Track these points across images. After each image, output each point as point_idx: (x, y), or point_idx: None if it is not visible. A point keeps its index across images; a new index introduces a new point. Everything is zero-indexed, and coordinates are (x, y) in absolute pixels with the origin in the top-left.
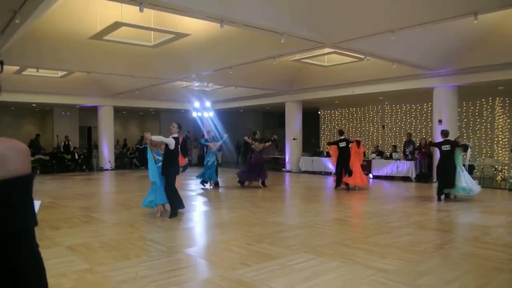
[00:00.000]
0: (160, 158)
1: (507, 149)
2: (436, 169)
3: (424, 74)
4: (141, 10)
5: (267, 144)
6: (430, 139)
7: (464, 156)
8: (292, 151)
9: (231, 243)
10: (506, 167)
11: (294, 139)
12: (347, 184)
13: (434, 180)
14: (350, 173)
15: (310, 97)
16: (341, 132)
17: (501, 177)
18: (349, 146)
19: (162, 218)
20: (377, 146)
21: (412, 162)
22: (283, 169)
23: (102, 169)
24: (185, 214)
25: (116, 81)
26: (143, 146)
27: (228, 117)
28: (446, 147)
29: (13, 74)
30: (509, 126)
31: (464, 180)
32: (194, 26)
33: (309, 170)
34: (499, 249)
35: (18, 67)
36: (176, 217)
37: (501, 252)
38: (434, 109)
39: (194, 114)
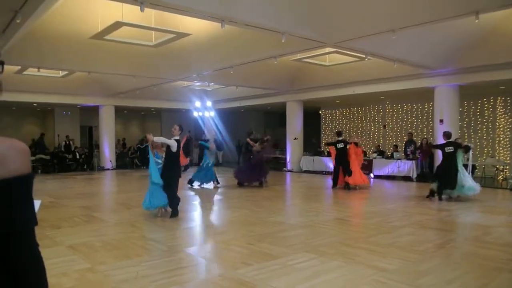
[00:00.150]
0: (160, 161)
1: (509, 148)
2: (436, 169)
3: (425, 73)
4: (142, 10)
5: (264, 145)
6: (431, 138)
7: (466, 157)
8: (293, 150)
9: (232, 242)
10: (507, 167)
11: (295, 138)
12: (347, 184)
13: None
14: (349, 173)
15: (311, 97)
16: (339, 133)
17: (502, 176)
18: (347, 147)
19: (162, 218)
20: (378, 145)
21: (413, 161)
22: (284, 168)
23: (103, 169)
24: (186, 214)
25: (117, 80)
26: (144, 146)
27: (229, 116)
28: (449, 149)
29: (14, 74)
30: (510, 126)
31: (466, 180)
32: (195, 26)
33: (310, 170)
34: (500, 248)
35: (19, 67)
36: (177, 216)
37: (502, 252)
38: (435, 109)
39: (195, 114)
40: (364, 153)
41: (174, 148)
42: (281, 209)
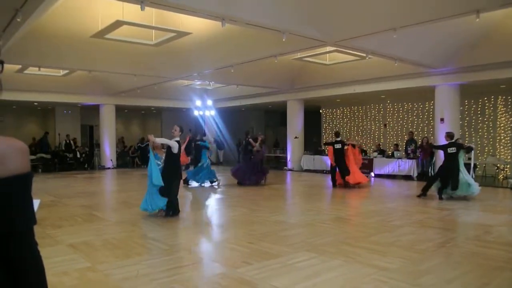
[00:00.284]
0: (159, 162)
1: (509, 147)
2: (438, 170)
3: (426, 72)
4: (142, 9)
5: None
6: (432, 138)
7: (468, 157)
8: (293, 149)
9: (232, 241)
10: (508, 166)
11: (296, 137)
12: (347, 183)
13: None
14: (347, 173)
15: (312, 96)
16: (337, 134)
17: (503, 175)
18: (345, 148)
19: (163, 217)
20: (379, 144)
21: (414, 160)
22: (285, 167)
23: (103, 168)
24: (186, 213)
25: (118, 79)
26: (144, 145)
27: (230, 115)
28: (452, 150)
29: (14, 73)
30: (511, 125)
31: (469, 179)
32: (196, 25)
33: (311, 169)
34: (501, 248)
35: (19, 66)
36: (177, 215)
37: (503, 251)
38: (436, 108)
39: (196, 113)
40: (365, 152)
41: (175, 150)
42: (282, 208)
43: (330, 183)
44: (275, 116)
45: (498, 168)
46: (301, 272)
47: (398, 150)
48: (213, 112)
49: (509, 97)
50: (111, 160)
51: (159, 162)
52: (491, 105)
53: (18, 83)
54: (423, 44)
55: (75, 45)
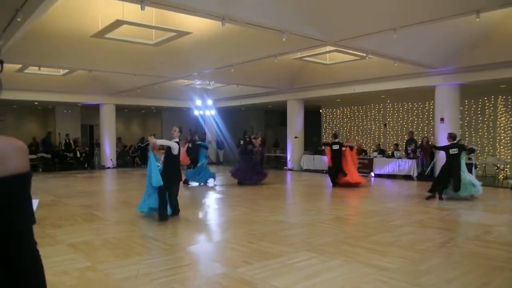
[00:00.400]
0: (158, 164)
1: (509, 147)
2: (440, 171)
3: (426, 72)
4: (142, 8)
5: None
6: (432, 137)
7: (469, 157)
8: (293, 149)
9: (232, 241)
10: (508, 166)
11: (296, 137)
12: (344, 183)
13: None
14: (344, 174)
15: (312, 96)
16: (335, 135)
17: (503, 175)
18: (342, 149)
19: (159, 221)
20: (379, 144)
21: (414, 160)
22: (285, 167)
23: (104, 167)
24: (186, 213)
25: (118, 79)
26: (144, 144)
27: (230, 115)
28: (454, 151)
29: (15, 73)
30: (511, 125)
31: (473, 179)
32: (196, 24)
33: (311, 169)
34: (501, 248)
35: (20, 65)
36: (177, 215)
37: (503, 251)
38: (436, 108)
39: (196, 113)
40: (365, 151)
41: (175, 151)
42: (282, 207)
43: (330, 183)
44: (275, 116)
45: (498, 168)
46: (301, 272)
47: (398, 150)
48: (213, 112)
49: (509, 97)
50: (111, 159)
51: (158, 164)
52: (491, 105)
53: (19, 82)
54: (423, 44)
55: (75, 44)
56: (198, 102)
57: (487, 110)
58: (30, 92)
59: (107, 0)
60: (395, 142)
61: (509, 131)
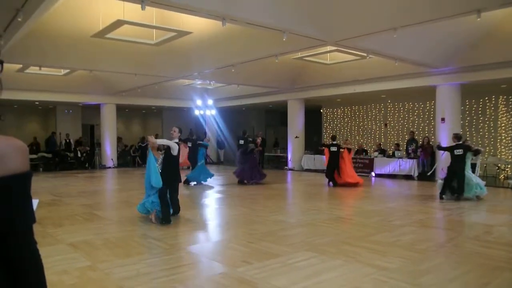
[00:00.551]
0: (156, 164)
1: (510, 147)
2: (447, 172)
3: (427, 72)
4: (143, 8)
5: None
6: (432, 137)
7: (473, 159)
8: (294, 149)
9: (232, 241)
10: (509, 166)
11: (296, 137)
12: (347, 182)
13: (436, 178)
14: (339, 174)
15: (312, 95)
16: (333, 137)
17: (504, 175)
18: (340, 151)
19: (159, 224)
20: (380, 144)
21: (415, 160)
22: (285, 167)
23: (104, 167)
24: (186, 212)
25: (118, 79)
26: (145, 144)
27: (231, 115)
28: (459, 152)
29: (15, 72)
30: None
31: (477, 180)
32: (196, 24)
33: (311, 168)
34: (502, 248)
35: (20, 65)
36: (177, 214)
37: (504, 251)
38: (437, 107)
39: (197, 112)
40: (366, 151)
41: (175, 151)
42: (282, 207)
43: (331, 183)
44: (276, 116)
45: (499, 168)
46: (301, 272)
47: (399, 150)
48: (213, 112)
49: (510, 97)
50: (112, 159)
51: (156, 164)
52: (492, 105)
53: (19, 82)
54: (423, 43)
55: (76, 44)
56: (199, 102)
57: (488, 110)
58: (30, 92)
59: (107, 0)
60: (395, 142)
61: (510, 131)
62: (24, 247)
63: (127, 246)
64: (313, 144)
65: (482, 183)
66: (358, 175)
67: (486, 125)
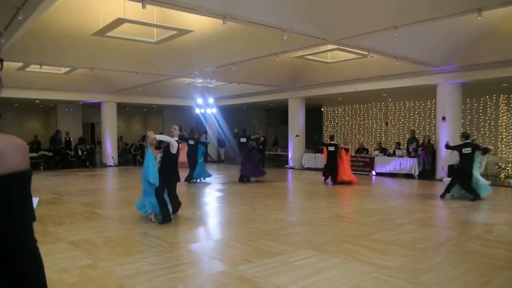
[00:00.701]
0: (155, 162)
1: (511, 146)
2: (455, 169)
3: (427, 71)
4: (143, 7)
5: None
6: (433, 136)
7: (482, 160)
8: (295, 147)
9: (233, 239)
10: (510, 165)
11: (297, 135)
12: (338, 181)
13: (438, 177)
14: (336, 174)
15: (313, 94)
16: (331, 137)
17: (504, 174)
18: (337, 151)
19: (158, 224)
20: (380, 143)
21: (415, 159)
22: (286, 166)
23: (105, 166)
24: (186, 211)
25: (119, 77)
26: (145, 142)
27: (231, 113)
28: (467, 150)
29: (16, 71)
30: None
31: (482, 179)
32: (197, 23)
33: (312, 167)
34: (502, 247)
35: (21, 64)
36: (176, 213)
37: (504, 250)
38: (437, 106)
39: (197, 111)
40: (366, 150)
41: (174, 149)
42: (282, 206)
43: (329, 181)
44: (276, 114)
45: (499, 167)
46: (301, 270)
47: (399, 149)
48: (214, 110)
49: (511, 96)
50: (113, 157)
51: (155, 162)
52: (492, 104)
53: (20, 80)
54: (424, 42)
55: (77, 43)
56: (200, 100)
57: (488, 109)
58: (31, 90)
59: None
60: (396, 140)
61: (511, 130)
62: (24, 246)
63: (127, 245)
64: (313, 142)
65: (487, 183)
66: (359, 174)
67: (486, 124)
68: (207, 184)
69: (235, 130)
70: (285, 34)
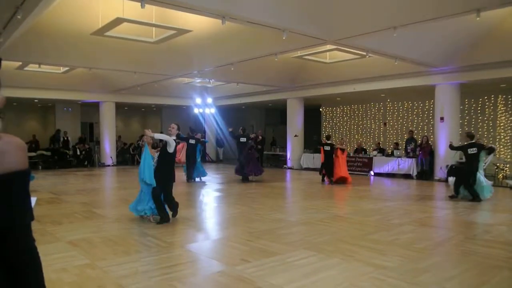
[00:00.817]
0: (152, 162)
1: (509, 147)
2: (460, 169)
3: (426, 71)
4: (142, 6)
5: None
6: (431, 137)
7: (485, 160)
8: (293, 148)
9: (231, 239)
10: (508, 165)
11: (296, 135)
12: (335, 180)
13: (436, 178)
14: (331, 173)
15: (312, 94)
16: (327, 137)
17: (502, 175)
18: (333, 150)
19: (156, 224)
20: (379, 143)
21: (414, 159)
22: (284, 166)
23: (103, 165)
24: (185, 211)
25: (118, 77)
26: (142, 141)
27: (230, 113)
28: (472, 150)
29: (15, 70)
30: (511, 124)
31: (485, 181)
32: (196, 22)
33: (310, 167)
34: (500, 247)
35: (20, 63)
36: (175, 216)
37: (502, 250)
38: (436, 107)
39: (196, 111)
40: (365, 150)
41: (171, 148)
42: (281, 206)
43: (326, 181)
44: (275, 114)
45: (498, 167)
46: (299, 270)
47: (398, 149)
48: (213, 110)
49: (509, 96)
50: (111, 157)
51: (152, 162)
52: (491, 104)
53: (19, 80)
54: (423, 43)
55: (76, 42)
56: (198, 100)
57: (487, 110)
58: (30, 90)
59: None
60: (395, 141)
61: (509, 131)
62: (21, 243)
63: (125, 244)
64: (312, 142)
65: (490, 183)
66: (357, 174)
67: (485, 125)
68: (206, 184)
69: (230, 129)
70: (284, 34)
